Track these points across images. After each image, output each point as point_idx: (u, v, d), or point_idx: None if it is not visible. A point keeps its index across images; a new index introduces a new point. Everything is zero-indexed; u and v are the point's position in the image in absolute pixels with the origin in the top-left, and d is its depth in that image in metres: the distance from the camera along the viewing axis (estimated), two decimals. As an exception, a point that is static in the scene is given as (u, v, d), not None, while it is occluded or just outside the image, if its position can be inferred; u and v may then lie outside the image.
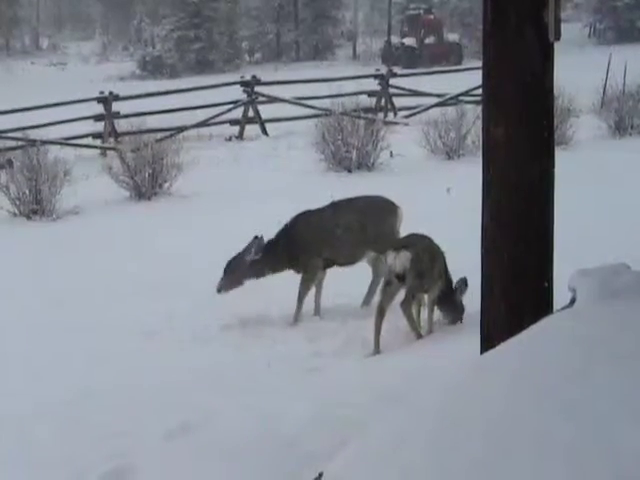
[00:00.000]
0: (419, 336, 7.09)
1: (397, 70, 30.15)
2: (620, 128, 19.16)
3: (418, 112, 23.28)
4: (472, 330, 5.59)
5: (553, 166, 4.78)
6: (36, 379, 6.73)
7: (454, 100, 22.32)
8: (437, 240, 7.47)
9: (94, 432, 5.51)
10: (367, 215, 7.96)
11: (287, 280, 8.62)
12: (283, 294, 8.21)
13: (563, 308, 3.84)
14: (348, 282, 8.12)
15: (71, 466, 5.06)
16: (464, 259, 7.32)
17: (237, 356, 7.06)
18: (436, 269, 7.25)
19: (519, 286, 4.76)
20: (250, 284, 8.78)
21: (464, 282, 7.22)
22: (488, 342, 4.62)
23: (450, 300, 7.35)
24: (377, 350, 6.98)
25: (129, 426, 5.53)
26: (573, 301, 3.68)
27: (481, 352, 4.72)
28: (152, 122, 19.32)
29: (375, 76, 25.71)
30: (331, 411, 5.41)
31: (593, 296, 3.45)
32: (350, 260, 8.04)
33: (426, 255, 7.16)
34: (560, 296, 4.42)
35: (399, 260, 7.04)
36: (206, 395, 6.00)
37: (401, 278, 7.05)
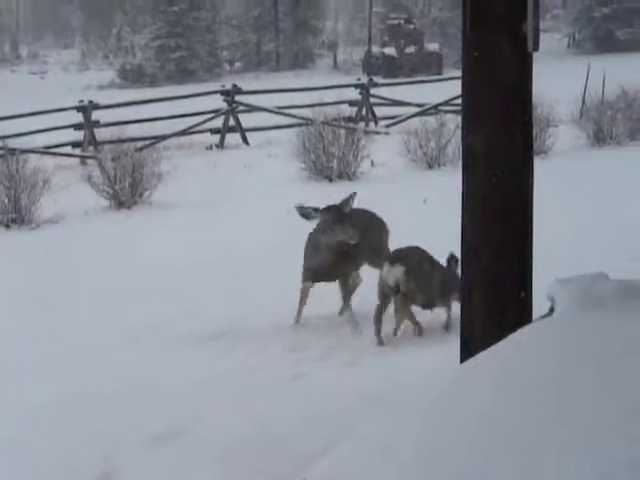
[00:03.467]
0: (420, 331, 7.23)
1: (378, 79, 30.29)
2: (599, 138, 19.26)
3: (399, 121, 23.38)
4: (453, 337, 5.61)
5: (532, 176, 4.81)
6: (19, 385, 6.69)
7: (434, 109, 22.41)
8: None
9: (80, 436, 5.48)
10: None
11: (273, 287, 8.64)
12: (268, 301, 8.22)
13: (542, 317, 3.85)
14: (329, 291, 8.10)
15: (58, 470, 5.05)
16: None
17: (221, 363, 7.05)
18: (435, 283, 7.28)
19: (498, 295, 4.78)
20: (236, 290, 8.81)
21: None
22: (468, 350, 4.63)
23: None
24: (380, 341, 7.13)
25: (116, 431, 5.52)
26: (552, 310, 3.69)
27: (461, 360, 4.73)
28: (132, 131, 19.28)
29: (356, 85, 25.81)
30: (317, 416, 5.41)
31: (572, 305, 3.46)
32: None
33: (419, 270, 7.18)
34: (539, 305, 4.44)
35: (392, 274, 7.10)
36: (192, 400, 5.99)
37: (395, 291, 7.13)
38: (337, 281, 7.87)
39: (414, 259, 7.22)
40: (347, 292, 7.86)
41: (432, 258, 7.38)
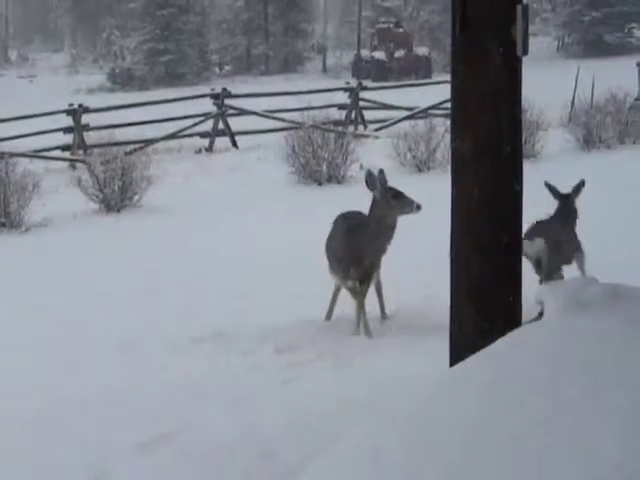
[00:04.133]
0: None
1: (367, 83, 30.30)
2: (588, 142, 19.28)
3: (388, 125, 23.35)
4: (443, 338, 5.60)
5: (521, 180, 4.81)
6: (6, 392, 6.66)
7: (424, 113, 22.40)
8: (407, 253, 7.51)
9: (67, 443, 5.45)
10: None
11: (263, 289, 8.62)
12: (259, 303, 8.19)
13: (531, 321, 3.85)
14: (327, 292, 8.08)
15: (49, 477, 5.03)
16: (432, 272, 7.36)
17: (210, 367, 7.03)
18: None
19: (487, 299, 4.78)
20: (226, 293, 8.79)
21: None
22: (457, 354, 4.63)
23: None
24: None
25: (101, 437, 5.49)
26: (541, 314, 3.69)
27: (450, 364, 4.73)
28: (121, 134, 19.25)
29: (345, 89, 25.81)
30: (305, 421, 5.39)
31: (561, 309, 3.46)
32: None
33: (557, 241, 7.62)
34: (528, 309, 4.45)
35: (534, 247, 7.42)
36: (179, 406, 5.96)
37: (538, 264, 7.46)
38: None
39: (553, 232, 7.62)
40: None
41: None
